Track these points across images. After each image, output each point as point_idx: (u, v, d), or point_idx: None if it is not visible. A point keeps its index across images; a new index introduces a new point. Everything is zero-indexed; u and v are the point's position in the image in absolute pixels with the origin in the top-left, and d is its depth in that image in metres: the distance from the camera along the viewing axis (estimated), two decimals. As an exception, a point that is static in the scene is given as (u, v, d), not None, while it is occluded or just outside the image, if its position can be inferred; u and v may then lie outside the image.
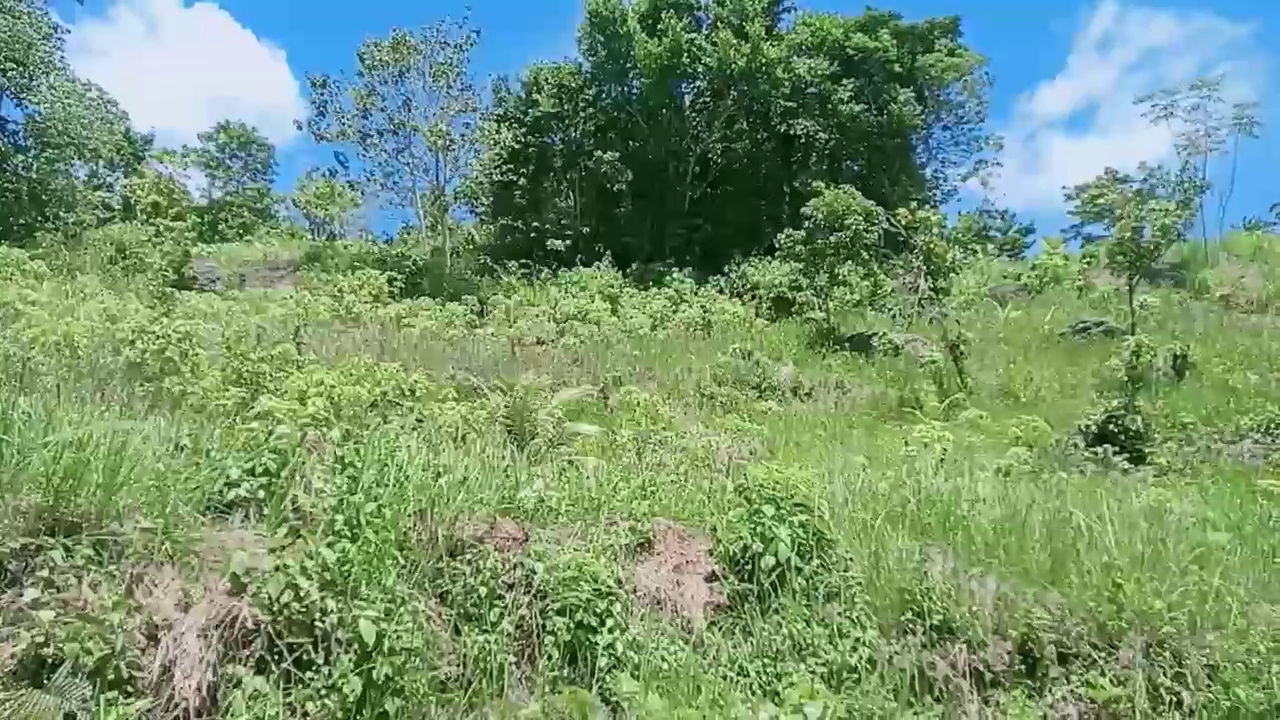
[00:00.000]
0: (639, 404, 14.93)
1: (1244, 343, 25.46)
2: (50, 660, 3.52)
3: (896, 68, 42.56)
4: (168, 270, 32.44)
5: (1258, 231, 39.41)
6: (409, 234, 47.13)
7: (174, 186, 36.10)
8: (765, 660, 4.95)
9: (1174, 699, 5.09)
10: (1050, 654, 5.24)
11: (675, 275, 37.92)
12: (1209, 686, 5.15)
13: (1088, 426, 17.03)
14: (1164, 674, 5.15)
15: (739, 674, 4.90)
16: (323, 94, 39.47)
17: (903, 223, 26.23)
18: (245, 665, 3.85)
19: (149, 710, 3.67)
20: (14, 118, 36.76)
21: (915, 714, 4.83)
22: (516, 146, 40.00)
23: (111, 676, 3.62)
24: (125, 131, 45.79)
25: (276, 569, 3.91)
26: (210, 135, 53.75)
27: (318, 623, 3.92)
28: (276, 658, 3.87)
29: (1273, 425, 17.92)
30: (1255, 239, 36.45)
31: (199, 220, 43.27)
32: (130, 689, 3.66)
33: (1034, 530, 6.24)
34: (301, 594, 3.90)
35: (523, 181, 41.50)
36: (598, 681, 4.56)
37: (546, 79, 43.03)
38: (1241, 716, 5.00)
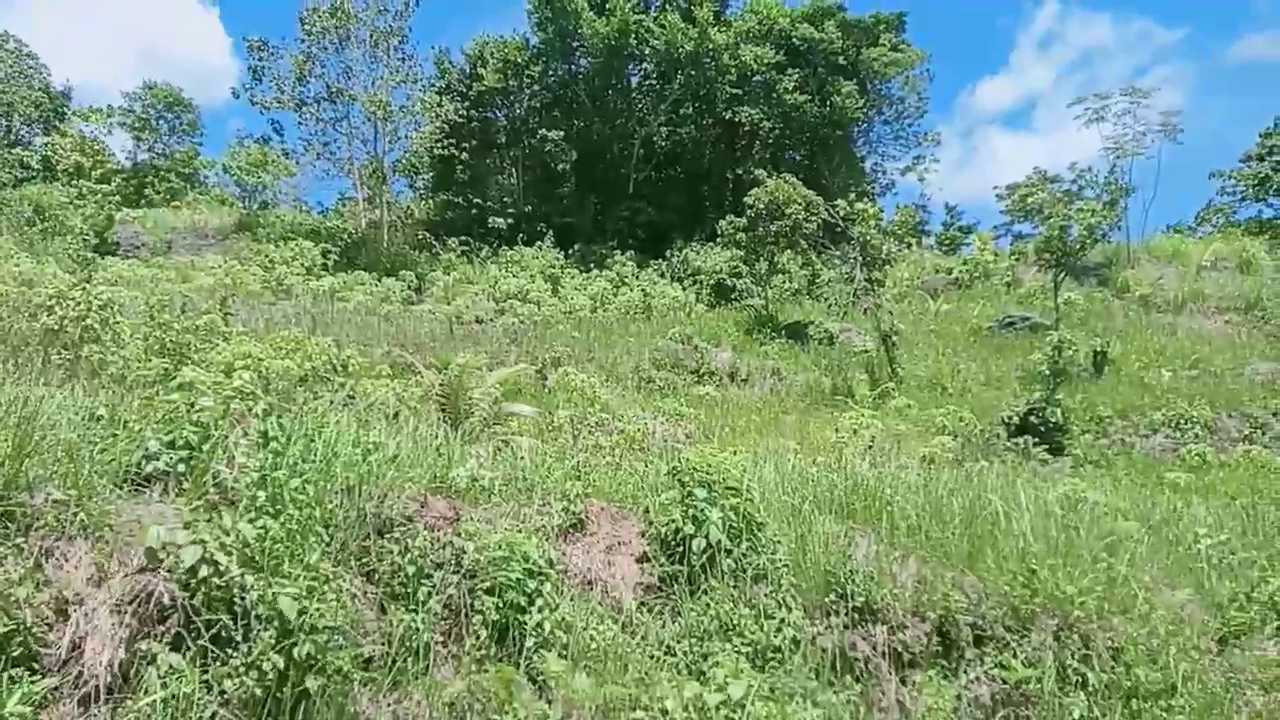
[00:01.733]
0: (577, 385, 14.94)
1: (1160, 341, 26.62)
2: (-50, 635, 3.38)
3: (841, 60, 43.01)
4: (90, 234, 31.15)
5: (1178, 236, 41.06)
6: (345, 205, 46.04)
7: (99, 147, 34.58)
8: (693, 640, 5.01)
9: (1080, 679, 5.34)
10: (966, 636, 5.42)
11: (617, 258, 37.83)
12: (1113, 668, 5.41)
13: (1010, 418, 17.61)
14: (1072, 656, 5.40)
15: (666, 653, 4.94)
16: (260, 58, 38.23)
17: (841, 214, 26.64)
18: (160, 642, 3.74)
19: (56, 688, 3.54)
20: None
21: (835, 693, 4.94)
22: (459, 120, 39.33)
23: (17, 653, 3.49)
24: (45, 86, 43.60)
25: (193, 544, 3.79)
26: (136, 95, 51.36)
27: (237, 600, 3.82)
28: (194, 635, 3.77)
29: (1183, 420, 18.82)
30: (1174, 242, 38.00)
31: (124, 184, 41.56)
32: (36, 666, 3.53)
33: (954, 516, 6.44)
34: (221, 570, 3.79)
35: (465, 156, 40.79)
36: (525, 660, 4.55)
37: (492, 53, 42.36)
38: (1140, 695, 5.27)
